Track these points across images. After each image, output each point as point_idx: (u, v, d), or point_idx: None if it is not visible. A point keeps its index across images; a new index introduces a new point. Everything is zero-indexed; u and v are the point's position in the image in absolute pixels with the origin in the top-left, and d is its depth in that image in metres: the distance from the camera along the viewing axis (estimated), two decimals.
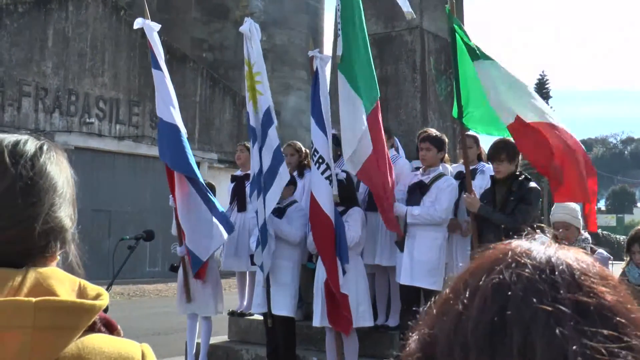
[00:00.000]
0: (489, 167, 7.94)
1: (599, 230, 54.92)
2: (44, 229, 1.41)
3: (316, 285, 8.00)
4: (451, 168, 8.48)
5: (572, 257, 0.92)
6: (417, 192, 7.78)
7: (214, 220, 8.66)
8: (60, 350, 1.32)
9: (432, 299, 0.97)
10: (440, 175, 7.79)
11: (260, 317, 8.93)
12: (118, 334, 1.47)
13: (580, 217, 7.21)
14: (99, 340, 1.39)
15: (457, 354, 0.87)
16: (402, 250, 7.75)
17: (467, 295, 0.90)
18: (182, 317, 9.66)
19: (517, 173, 7.22)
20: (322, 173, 7.78)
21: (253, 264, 8.75)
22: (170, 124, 8.73)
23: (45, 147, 1.48)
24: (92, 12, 25.54)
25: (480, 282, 0.90)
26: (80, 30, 25.13)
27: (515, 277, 0.88)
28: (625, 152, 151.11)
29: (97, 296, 1.39)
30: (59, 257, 1.47)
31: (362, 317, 7.75)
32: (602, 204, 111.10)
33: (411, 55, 9.62)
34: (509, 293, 0.87)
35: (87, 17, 25.39)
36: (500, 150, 7.13)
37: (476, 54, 7.24)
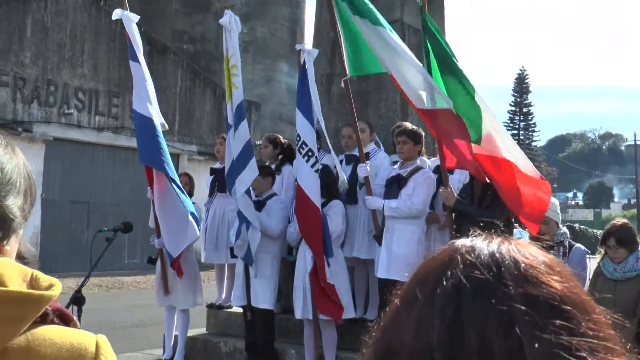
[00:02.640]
0: None
1: (577, 225, 55.30)
2: None
3: (297, 277, 8.02)
4: (429, 162, 8.50)
5: (516, 249, 0.92)
6: (394, 185, 7.81)
7: (189, 217, 8.63)
8: (7, 341, 1.29)
9: (382, 313, 0.97)
10: (417, 169, 7.82)
11: (239, 310, 8.93)
12: (74, 326, 1.43)
13: (559, 211, 7.27)
14: (50, 332, 1.36)
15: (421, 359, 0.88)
16: (380, 244, 7.78)
17: (423, 303, 0.91)
18: (161, 309, 9.64)
19: None
20: (312, 166, 7.80)
21: (233, 256, 8.74)
22: (145, 117, 8.67)
23: None
24: (72, 2, 25.32)
25: (434, 288, 0.90)
26: (59, 20, 24.92)
27: (465, 279, 0.88)
28: (603, 147, 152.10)
29: (50, 286, 1.36)
30: (8, 248, 1.42)
31: (345, 308, 7.78)
32: (579, 199, 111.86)
33: None
34: (462, 296, 0.87)
35: (67, 6, 25.17)
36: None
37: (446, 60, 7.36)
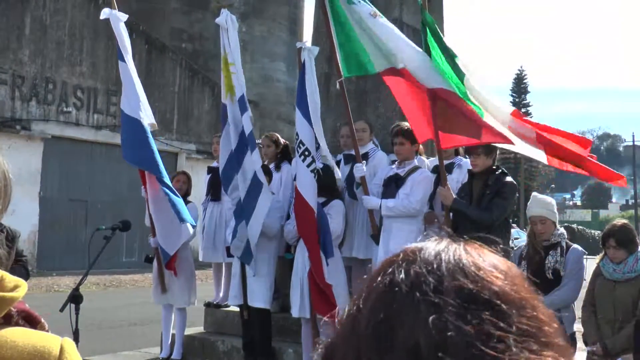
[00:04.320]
0: (466, 161, 7.97)
1: (574, 226, 55.35)
2: None
3: (294, 276, 8.02)
4: (428, 162, 8.50)
5: (463, 249, 0.94)
6: (392, 185, 7.81)
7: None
8: None
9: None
10: (415, 168, 7.82)
11: (236, 309, 8.92)
12: (42, 328, 1.41)
13: (556, 211, 7.27)
14: (12, 334, 1.32)
15: (350, 357, 0.89)
16: (377, 243, 7.77)
17: (362, 299, 0.93)
18: (159, 307, 9.64)
19: (494, 167, 7.27)
20: (308, 166, 7.78)
21: (229, 255, 8.74)
22: (132, 118, 8.64)
23: None
24: (70, 0, 25.29)
25: (374, 284, 0.92)
26: (58, 18, 24.89)
27: (403, 273, 0.90)
28: (602, 147, 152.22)
29: (15, 288, 1.33)
30: None
31: (342, 309, 7.76)
32: (577, 199, 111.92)
33: None
34: (396, 290, 0.89)
35: (65, 4, 25.13)
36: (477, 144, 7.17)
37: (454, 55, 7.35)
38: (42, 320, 1.42)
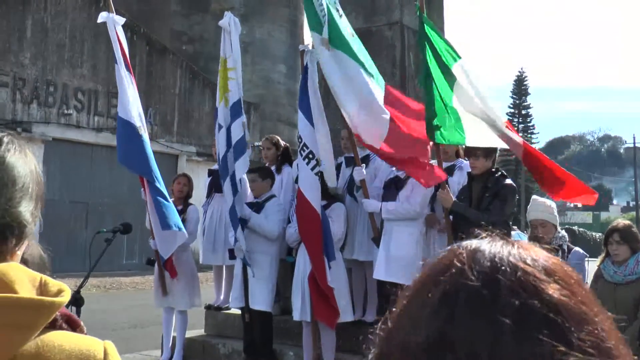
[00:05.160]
0: (467, 164, 7.96)
1: (575, 228, 55.30)
2: (2, 223, 1.37)
3: (296, 279, 8.01)
4: None
5: (517, 254, 0.90)
6: (392, 187, 7.80)
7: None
8: (18, 348, 1.29)
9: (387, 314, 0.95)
10: None
11: (237, 311, 8.92)
12: (81, 331, 1.44)
13: (556, 214, 7.26)
14: (59, 338, 1.36)
15: None
16: (378, 246, 7.77)
17: (415, 309, 0.90)
18: (159, 310, 9.64)
19: (494, 169, 7.26)
20: (312, 169, 7.75)
21: (231, 257, 8.73)
22: (126, 122, 8.61)
23: (6, 140, 1.45)
24: (71, 3, 25.32)
25: (428, 294, 0.89)
26: (59, 21, 24.92)
27: (459, 286, 0.87)
28: (602, 149, 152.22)
29: (59, 292, 1.35)
30: (19, 253, 1.43)
31: (343, 311, 7.75)
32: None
33: (391, 50, 9.62)
34: (453, 305, 0.86)
35: (66, 7, 25.18)
36: (476, 147, 7.17)
37: (451, 58, 7.33)
38: (82, 323, 1.46)
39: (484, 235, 0.97)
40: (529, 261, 0.89)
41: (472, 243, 0.94)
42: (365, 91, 7.57)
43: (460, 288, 0.87)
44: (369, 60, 7.79)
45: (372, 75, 7.66)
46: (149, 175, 8.45)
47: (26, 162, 1.46)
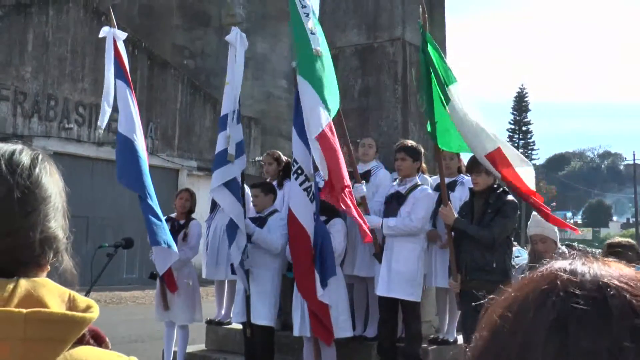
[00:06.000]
0: (468, 179, 7.96)
1: (575, 244, 55.26)
2: (39, 238, 1.40)
3: (295, 294, 7.99)
4: (431, 180, 8.50)
5: (618, 275, 0.90)
6: (394, 202, 7.81)
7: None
8: None
9: (479, 329, 0.94)
10: (416, 185, 7.82)
11: (239, 326, 8.90)
12: (106, 347, 1.47)
13: (556, 229, 7.26)
14: (87, 353, 1.38)
15: None
16: (380, 262, 7.76)
17: (524, 331, 0.88)
18: (160, 324, 9.62)
19: (495, 186, 7.26)
20: (301, 184, 7.70)
21: (233, 272, 8.71)
22: (125, 137, 8.60)
23: (40, 158, 1.49)
24: (73, 17, 25.42)
25: (537, 317, 0.88)
26: (60, 35, 24.99)
27: (570, 310, 0.87)
28: (602, 166, 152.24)
29: (87, 308, 1.38)
30: (49, 267, 1.46)
31: (342, 327, 7.73)
32: (578, 218, 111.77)
33: (393, 66, 9.65)
34: (568, 329, 0.85)
35: (68, 21, 25.26)
36: (478, 162, 7.17)
37: (448, 79, 7.35)
38: (107, 339, 1.48)
39: (569, 253, 0.97)
40: (630, 282, 0.90)
41: (566, 264, 0.94)
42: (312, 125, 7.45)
43: (572, 313, 0.87)
44: (330, 84, 7.74)
45: (328, 108, 7.53)
46: (141, 191, 8.38)
47: (55, 180, 1.50)
